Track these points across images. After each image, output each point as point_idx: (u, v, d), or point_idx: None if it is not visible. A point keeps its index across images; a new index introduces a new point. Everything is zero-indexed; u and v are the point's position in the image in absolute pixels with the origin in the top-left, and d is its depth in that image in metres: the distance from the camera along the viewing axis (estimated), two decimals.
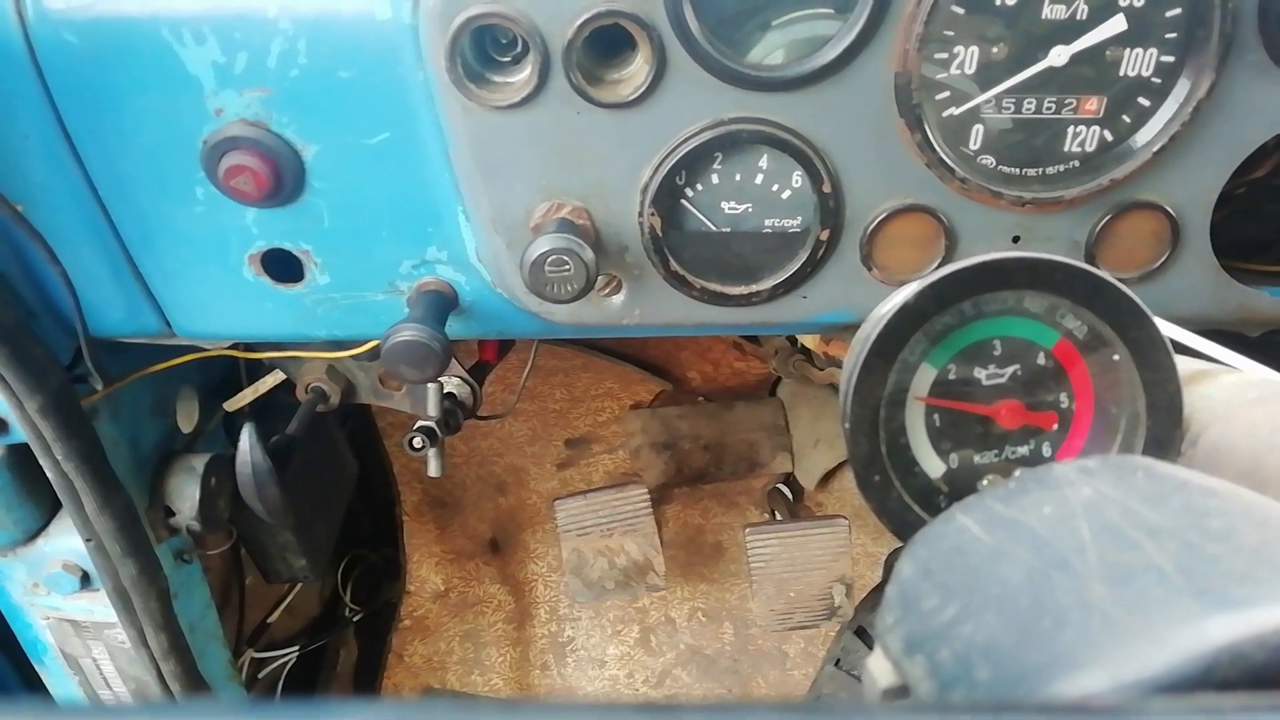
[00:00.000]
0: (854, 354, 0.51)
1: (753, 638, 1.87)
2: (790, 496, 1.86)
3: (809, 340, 1.04)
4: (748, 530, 1.57)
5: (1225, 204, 0.79)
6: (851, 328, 0.75)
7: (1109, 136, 0.72)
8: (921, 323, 0.50)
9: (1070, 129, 0.72)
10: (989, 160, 0.73)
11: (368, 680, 1.76)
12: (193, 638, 1.06)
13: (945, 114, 0.71)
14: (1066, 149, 0.73)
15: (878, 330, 0.49)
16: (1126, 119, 0.71)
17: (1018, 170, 0.74)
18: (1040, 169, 0.74)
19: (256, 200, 0.74)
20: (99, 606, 1.04)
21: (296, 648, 1.54)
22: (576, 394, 1.87)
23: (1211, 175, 0.73)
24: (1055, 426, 0.52)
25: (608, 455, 1.91)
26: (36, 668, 1.12)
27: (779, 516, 1.83)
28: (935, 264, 0.77)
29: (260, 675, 1.50)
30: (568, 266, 0.69)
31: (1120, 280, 0.78)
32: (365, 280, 0.82)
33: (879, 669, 0.36)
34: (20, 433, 0.83)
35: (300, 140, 0.73)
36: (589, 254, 0.70)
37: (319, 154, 0.74)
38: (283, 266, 0.81)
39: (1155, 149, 0.71)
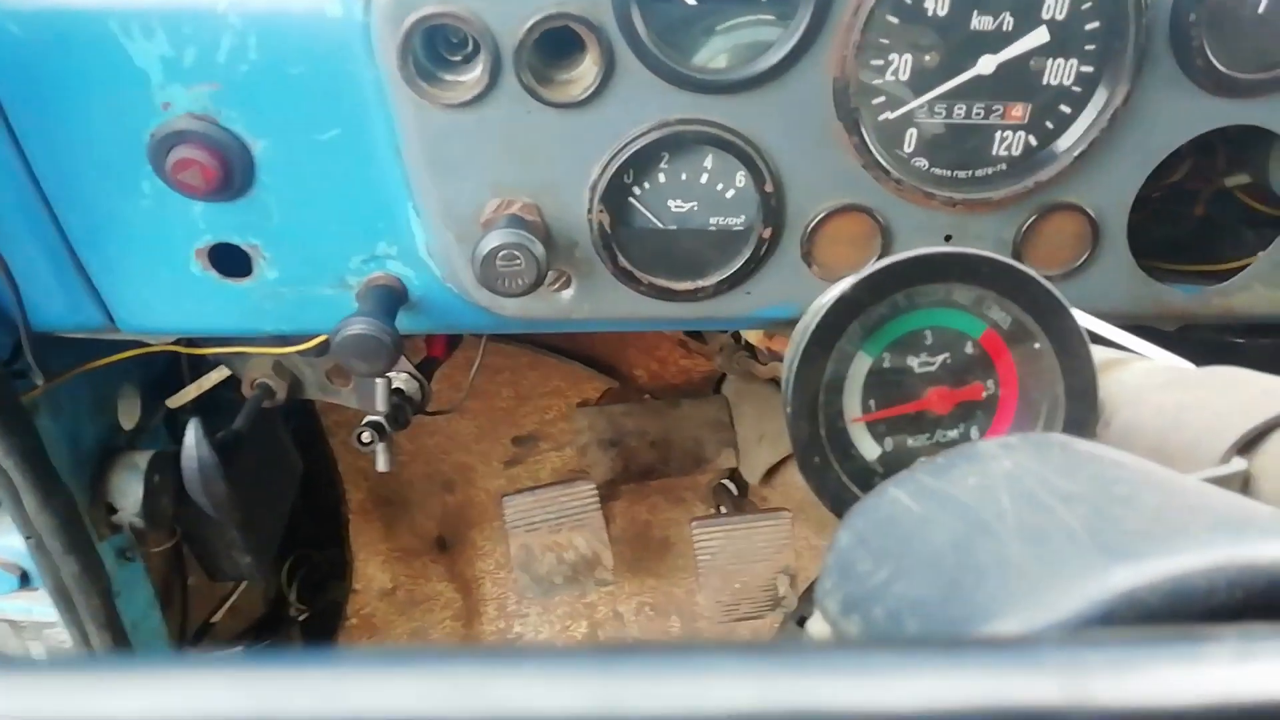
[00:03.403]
0: (795, 344, 0.53)
1: (699, 630, 1.90)
2: (735, 491, 1.89)
3: (752, 336, 1.07)
4: (694, 524, 1.59)
5: (1144, 206, 0.84)
6: (792, 322, 0.77)
7: (1033, 141, 0.76)
8: (857, 313, 0.52)
9: (998, 134, 0.76)
10: (922, 163, 0.77)
11: None
12: (135, 636, 1.05)
13: (881, 118, 0.74)
14: (994, 153, 0.77)
15: (817, 320, 0.52)
16: (1049, 125, 0.75)
17: (949, 172, 0.77)
18: (970, 171, 0.77)
19: (204, 194, 0.75)
20: (38, 606, 1.03)
21: (241, 647, 1.52)
22: (523, 392, 1.88)
23: (1128, 179, 0.78)
24: (982, 403, 0.56)
25: (555, 453, 1.92)
26: None
27: (724, 511, 1.86)
28: (871, 261, 0.80)
29: None
30: (518, 261, 0.71)
31: (1044, 277, 0.82)
32: (314, 275, 0.82)
33: (817, 630, 0.38)
34: None
35: (249, 135, 0.74)
36: (539, 249, 0.71)
37: (268, 149, 0.75)
38: (231, 261, 0.81)
39: (1076, 154, 0.75)
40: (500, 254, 0.70)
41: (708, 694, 0.21)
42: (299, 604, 1.69)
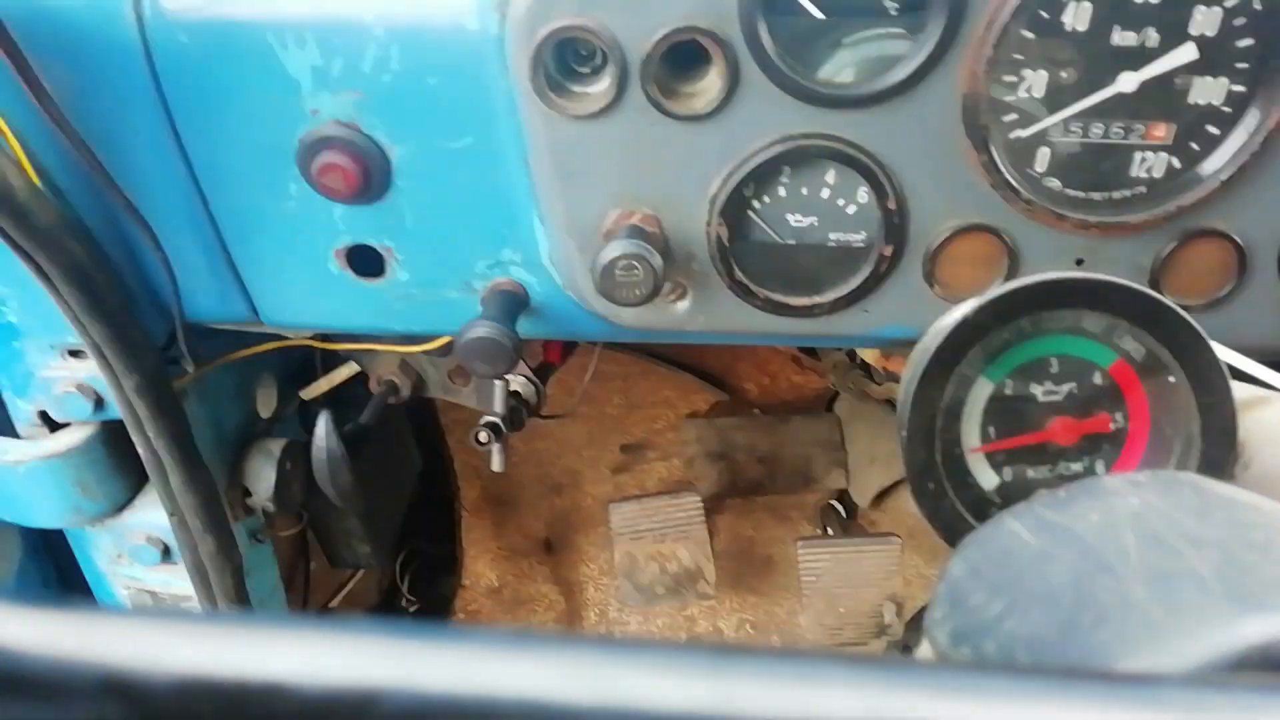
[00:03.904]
0: (913, 365, 0.52)
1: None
2: (844, 513, 1.86)
3: (868, 354, 1.06)
4: (800, 543, 1.57)
5: None
6: (911, 343, 0.76)
7: (1177, 163, 0.73)
8: (980, 337, 0.51)
9: (1138, 155, 0.73)
10: (1055, 183, 0.74)
11: None
12: None
13: (1012, 136, 0.72)
14: (1133, 174, 0.73)
15: (938, 342, 0.51)
16: (1195, 146, 0.72)
17: (1084, 194, 0.74)
18: (1106, 193, 0.74)
19: (345, 198, 0.79)
20: (177, 579, 1.10)
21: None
22: (634, 400, 1.89)
23: None
24: (1109, 436, 0.53)
25: (662, 462, 1.93)
26: None
27: (831, 532, 1.83)
28: (997, 283, 0.78)
29: None
30: (637, 271, 0.72)
31: (1185, 307, 0.78)
32: (442, 278, 0.86)
33: (926, 660, 0.38)
34: (115, 409, 0.88)
35: (389, 141, 0.77)
36: (658, 260, 0.72)
37: (405, 155, 0.78)
38: (365, 261, 0.86)
39: (1223, 178, 0.71)
40: (620, 264, 0.72)
41: (818, 702, 0.21)
42: (410, 595, 1.76)
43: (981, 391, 0.53)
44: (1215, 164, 0.72)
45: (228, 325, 0.94)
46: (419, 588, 1.78)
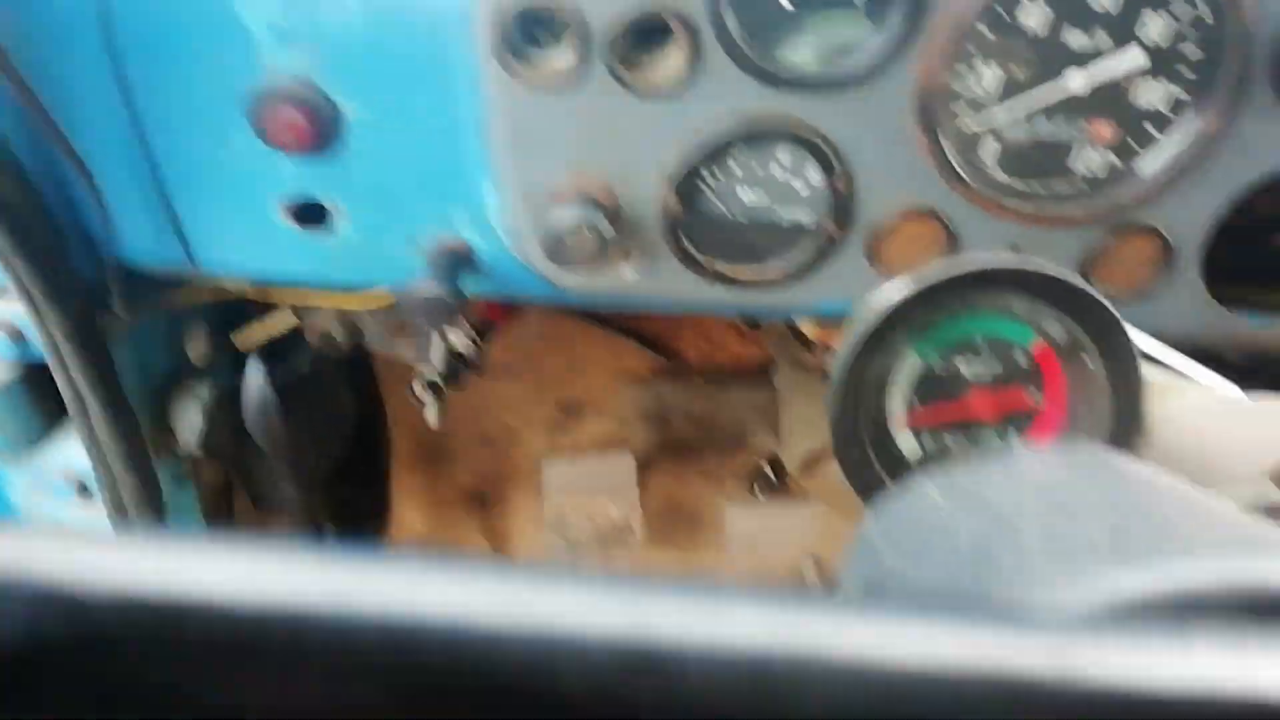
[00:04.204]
0: (847, 339, 0.54)
1: None
2: (774, 477, 1.90)
3: (806, 327, 1.07)
4: (729, 504, 1.61)
5: (1223, 232, 0.83)
6: (848, 317, 0.78)
7: (1117, 162, 0.75)
8: (913, 315, 0.53)
9: (1080, 151, 0.75)
10: (1000, 174, 0.76)
11: None
12: None
13: (962, 127, 0.74)
14: (1075, 169, 0.76)
15: (872, 319, 0.53)
16: (1135, 146, 0.74)
17: (1027, 185, 0.77)
18: (1048, 186, 0.77)
19: (295, 151, 0.77)
20: (97, 517, 1.07)
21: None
22: (574, 360, 1.90)
23: (1211, 207, 0.76)
24: (1028, 414, 0.56)
25: (598, 422, 1.94)
26: None
27: (760, 495, 1.87)
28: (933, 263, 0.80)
29: None
30: (585, 237, 0.72)
31: (1111, 298, 0.81)
32: (388, 234, 0.85)
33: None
34: (38, 348, 0.86)
35: (343, 98, 0.76)
36: (607, 227, 0.72)
37: (359, 112, 0.77)
38: (309, 213, 0.84)
39: (1160, 179, 0.74)
40: (568, 229, 0.72)
41: (704, 627, 0.22)
42: (337, 539, 1.75)
43: (910, 365, 0.55)
44: (1153, 165, 0.74)
45: (163, 270, 0.91)
46: (346, 533, 1.77)
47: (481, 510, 1.93)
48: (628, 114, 0.73)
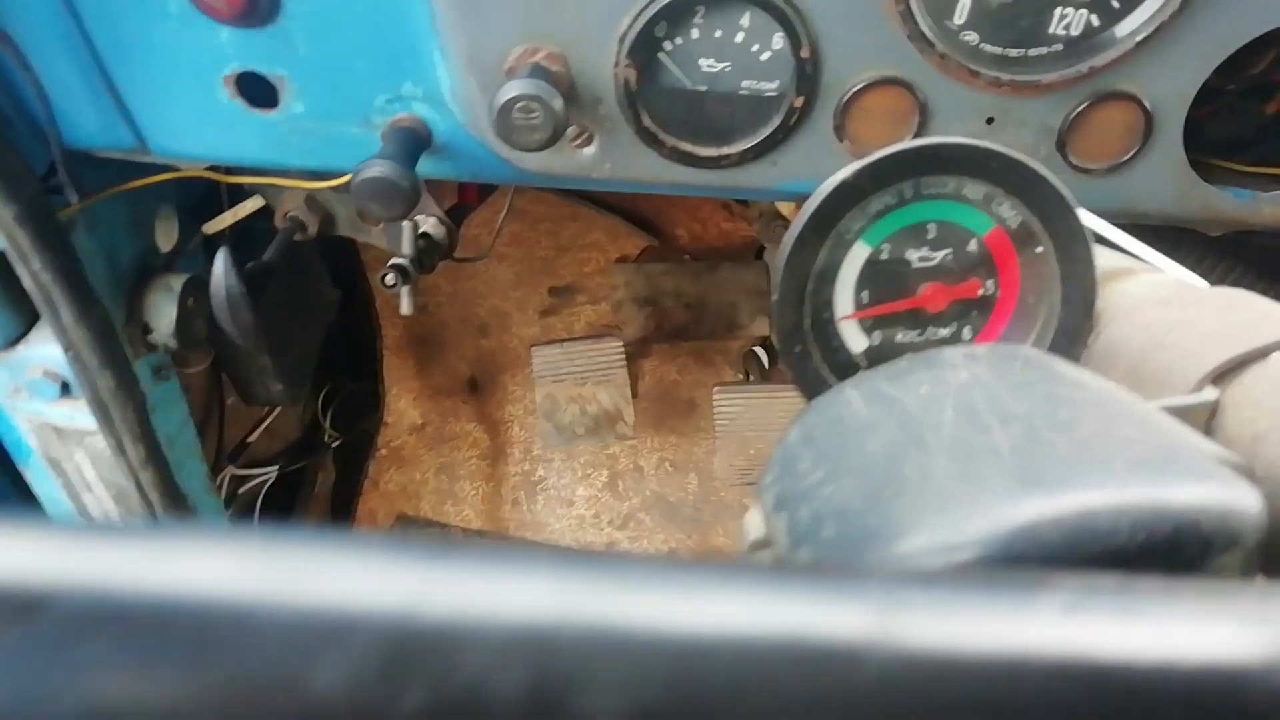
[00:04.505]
0: (792, 228, 0.52)
1: (715, 489, 1.95)
2: (765, 360, 1.90)
3: (784, 207, 1.05)
4: (716, 389, 1.61)
5: (1210, 100, 0.79)
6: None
7: (1095, 21, 0.71)
8: (858, 200, 0.51)
9: (1058, 11, 0.71)
10: (972, 36, 0.72)
11: (344, 504, 1.84)
12: (171, 451, 1.10)
13: None
14: (1051, 31, 0.72)
15: (814, 205, 0.50)
16: (1115, 4, 0.70)
17: (1000, 50, 0.73)
18: (1023, 50, 0.73)
19: (228, 18, 0.73)
20: (79, 414, 1.08)
21: (276, 467, 1.60)
22: (563, 243, 1.87)
23: (1192, 71, 0.73)
24: (978, 303, 0.54)
25: (590, 306, 1.93)
26: (20, 469, 1.17)
27: (751, 378, 1.87)
28: (907, 139, 0.76)
29: (240, 491, 1.57)
30: (535, 114, 0.69)
31: (1089, 170, 0.78)
32: (340, 111, 0.82)
33: (752, 522, 0.39)
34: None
35: None
36: (558, 102, 0.69)
37: None
38: (258, 90, 0.81)
39: (1138, 39, 0.70)
40: (518, 104, 0.69)
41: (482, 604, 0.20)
42: (333, 431, 1.77)
43: (858, 255, 0.53)
44: (1132, 24, 0.70)
45: (114, 154, 0.89)
46: (341, 423, 1.80)
47: (475, 397, 1.94)
48: None
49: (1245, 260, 1.01)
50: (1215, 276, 1.01)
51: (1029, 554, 0.29)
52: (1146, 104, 0.74)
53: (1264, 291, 0.98)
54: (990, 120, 0.76)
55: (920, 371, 0.38)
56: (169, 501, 1.12)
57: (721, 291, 1.87)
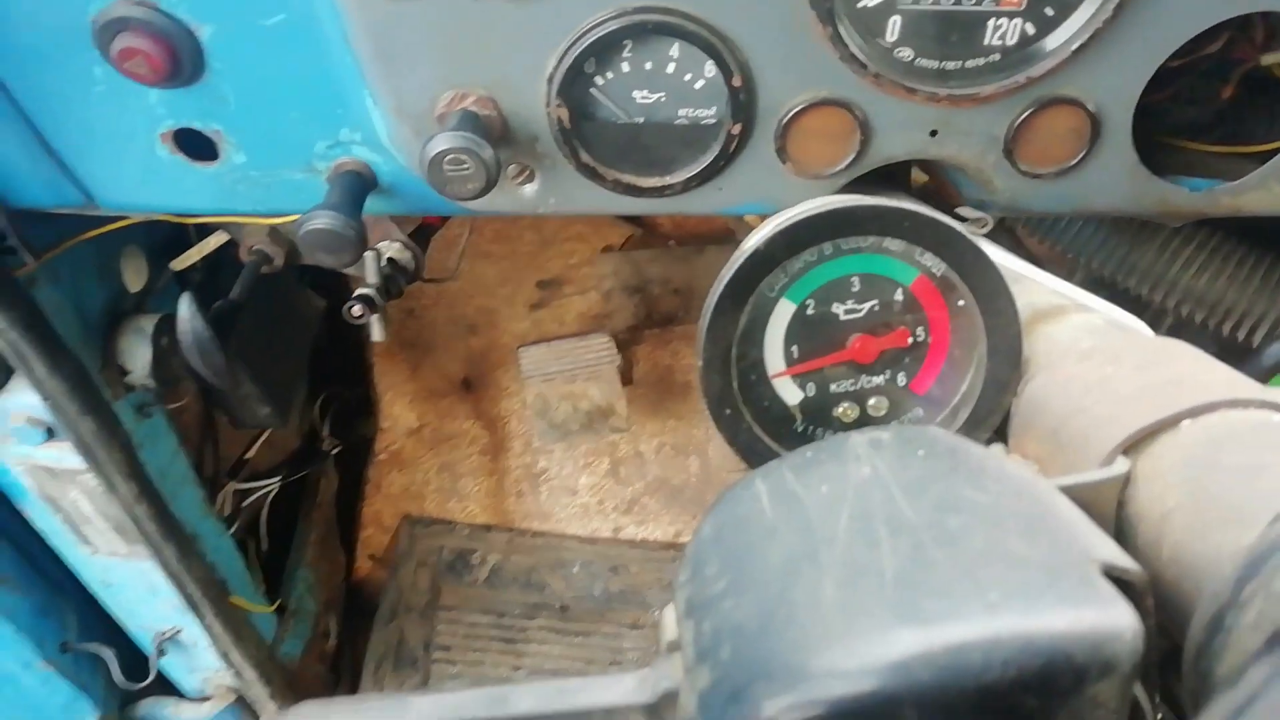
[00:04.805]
0: (710, 296, 0.52)
1: (717, 471, 1.96)
2: None
3: None
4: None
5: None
6: (768, 217, 0.75)
7: (1030, 30, 0.69)
8: (774, 265, 0.50)
9: (991, 21, 0.69)
10: (906, 53, 0.71)
11: (348, 509, 1.87)
12: (163, 484, 1.11)
13: (860, 5, 0.68)
14: (987, 42, 0.70)
15: (729, 274, 0.50)
16: (1049, 12, 0.68)
17: (936, 64, 0.71)
18: (960, 63, 0.71)
19: (155, 82, 0.73)
20: (68, 455, 1.09)
21: (278, 479, 1.62)
22: (546, 236, 1.86)
23: (1134, 72, 0.71)
24: (909, 350, 0.54)
25: (579, 296, 1.93)
26: (19, 508, 1.19)
27: None
28: (850, 158, 0.75)
29: (244, 505, 1.59)
30: (466, 166, 0.69)
31: (1039, 175, 0.77)
32: (281, 159, 0.81)
33: (668, 622, 0.39)
34: None
35: (193, 20, 0.71)
36: (488, 152, 0.69)
37: (215, 34, 0.72)
38: (197, 144, 0.80)
39: (1075, 46, 0.68)
40: (447, 158, 0.68)
41: None
42: (332, 437, 1.79)
43: (784, 312, 0.53)
44: (1067, 32, 0.68)
45: (66, 210, 0.89)
46: (340, 429, 1.81)
47: (471, 395, 1.95)
48: (494, 17, 0.68)
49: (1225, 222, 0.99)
50: (1196, 243, 0.98)
51: (902, 692, 0.29)
52: (1091, 107, 0.73)
53: (1241, 251, 0.95)
54: (934, 132, 0.75)
55: (826, 464, 0.38)
56: (166, 532, 1.13)
57: (708, 275, 1.85)
